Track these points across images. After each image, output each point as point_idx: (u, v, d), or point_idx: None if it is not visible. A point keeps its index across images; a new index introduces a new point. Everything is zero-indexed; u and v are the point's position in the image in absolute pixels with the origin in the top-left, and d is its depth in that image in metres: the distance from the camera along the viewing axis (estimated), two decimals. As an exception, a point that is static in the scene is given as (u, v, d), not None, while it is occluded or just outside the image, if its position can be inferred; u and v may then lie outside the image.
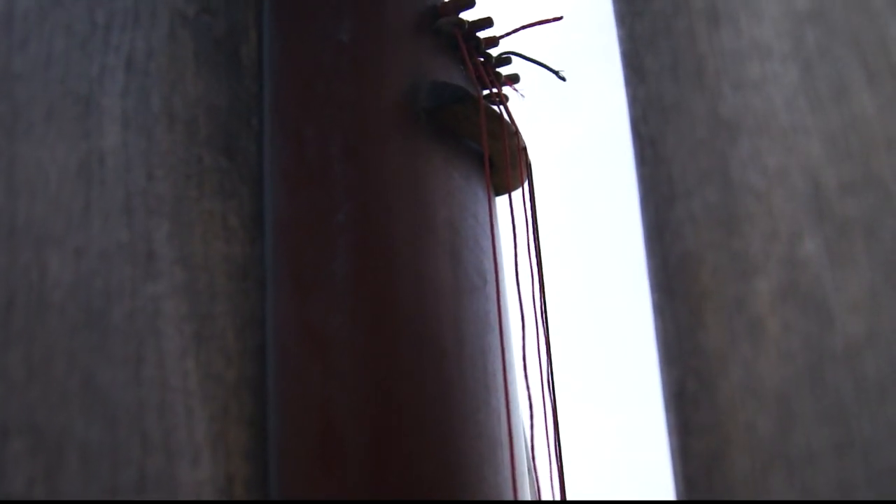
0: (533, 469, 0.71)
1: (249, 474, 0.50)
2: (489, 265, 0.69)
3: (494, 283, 0.68)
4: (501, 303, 0.68)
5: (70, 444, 0.46)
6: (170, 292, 0.49)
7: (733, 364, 0.43)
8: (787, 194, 0.39)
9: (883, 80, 0.35)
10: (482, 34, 0.72)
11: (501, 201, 0.76)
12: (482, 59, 0.72)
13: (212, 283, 0.50)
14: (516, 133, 0.71)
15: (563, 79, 0.69)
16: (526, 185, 0.76)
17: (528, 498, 0.68)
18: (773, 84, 0.40)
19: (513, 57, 0.74)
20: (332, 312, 0.55)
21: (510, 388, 0.68)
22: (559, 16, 0.70)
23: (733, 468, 0.43)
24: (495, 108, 0.70)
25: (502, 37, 0.73)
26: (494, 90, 0.72)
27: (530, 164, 0.75)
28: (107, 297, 0.48)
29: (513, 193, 0.75)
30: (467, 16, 0.70)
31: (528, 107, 0.77)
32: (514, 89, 0.75)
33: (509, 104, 0.74)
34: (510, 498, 0.64)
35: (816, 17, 0.39)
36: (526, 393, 0.71)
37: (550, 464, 0.71)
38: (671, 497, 0.49)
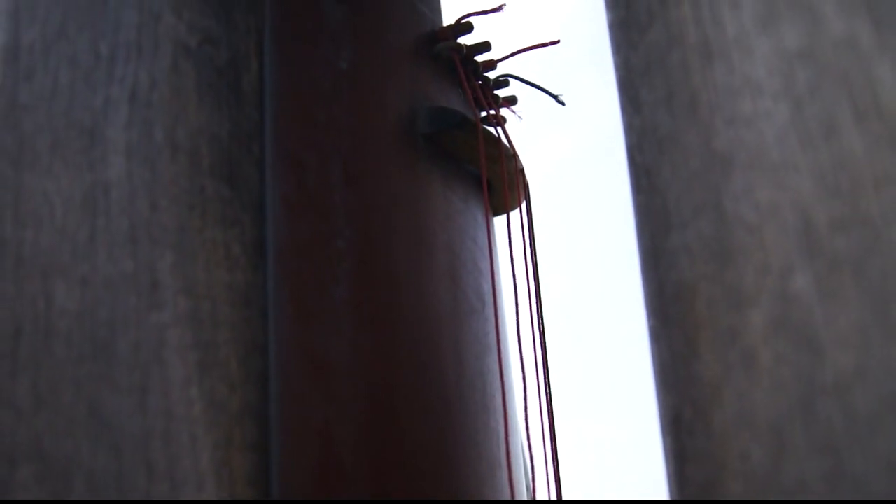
0: (532, 489, 0.71)
1: (252, 499, 0.50)
2: (488, 287, 0.69)
3: (493, 306, 0.69)
4: (500, 325, 0.68)
5: (77, 471, 0.47)
6: (174, 321, 0.50)
7: (727, 394, 0.44)
8: (779, 229, 0.40)
9: (870, 120, 0.36)
10: (480, 58, 0.72)
11: (499, 221, 0.77)
12: (480, 83, 0.73)
13: (215, 311, 0.51)
14: (514, 155, 0.72)
15: (562, 103, 0.70)
16: (524, 205, 0.77)
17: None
18: (764, 120, 0.40)
19: (510, 79, 0.75)
20: (333, 338, 0.56)
21: (509, 409, 0.69)
22: (556, 40, 0.71)
23: (728, 495, 0.44)
24: (493, 130, 0.71)
25: (500, 60, 0.74)
26: (492, 112, 0.73)
27: (528, 185, 0.76)
28: (112, 327, 0.49)
29: (510, 213, 0.76)
30: (465, 40, 0.71)
31: (523, 123, 0.78)
32: (512, 111, 0.76)
33: (507, 125, 0.75)
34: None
35: (806, 56, 0.39)
36: (524, 413, 0.72)
37: (549, 484, 0.72)
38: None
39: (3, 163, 0.50)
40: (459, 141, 0.67)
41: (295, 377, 0.54)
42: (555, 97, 0.71)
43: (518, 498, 0.67)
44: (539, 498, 0.75)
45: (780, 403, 0.40)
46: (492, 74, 0.74)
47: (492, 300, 0.69)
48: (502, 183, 0.71)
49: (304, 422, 0.53)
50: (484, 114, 0.73)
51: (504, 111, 0.76)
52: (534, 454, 0.71)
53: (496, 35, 0.72)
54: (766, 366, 0.41)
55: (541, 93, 0.73)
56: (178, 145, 0.52)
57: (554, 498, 0.72)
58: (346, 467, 0.54)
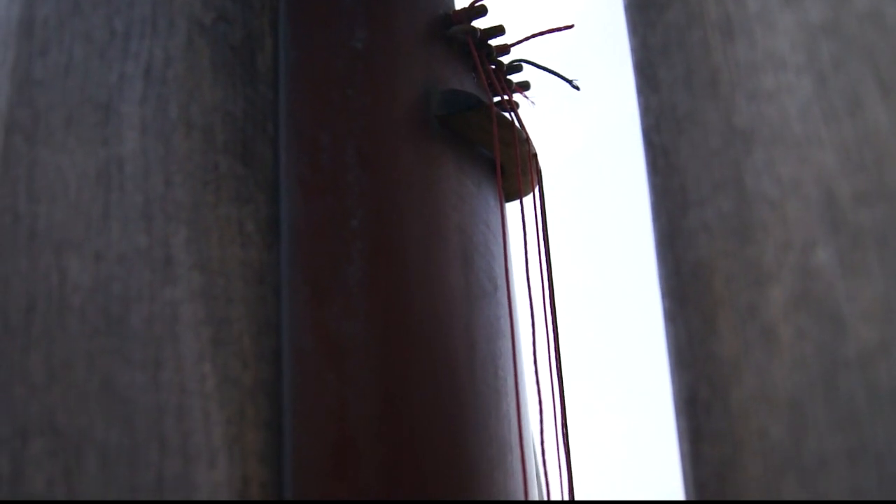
0: (543, 474, 0.71)
1: (265, 477, 0.50)
2: (500, 271, 0.69)
3: (506, 290, 0.69)
4: (512, 308, 0.68)
5: (89, 445, 0.47)
6: (187, 297, 0.50)
7: (746, 371, 0.43)
8: (801, 204, 0.39)
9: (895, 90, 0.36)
10: (494, 42, 0.72)
11: (512, 207, 0.76)
12: (494, 67, 0.72)
13: (228, 287, 0.51)
14: (527, 140, 0.72)
15: (577, 88, 0.70)
16: (536, 190, 0.77)
17: (539, 501, 0.69)
18: (787, 95, 0.40)
19: (524, 64, 0.75)
20: (346, 318, 0.56)
21: (521, 393, 0.69)
22: (570, 24, 0.70)
23: (745, 474, 0.43)
24: (506, 115, 0.71)
25: (514, 44, 0.73)
26: (506, 97, 0.73)
27: (541, 171, 0.76)
28: (126, 302, 0.49)
29: (524, 199, 0.76)
30: (479, 24, 0.71)
31: (537, 109, 0.78)
32: (525, 96, 0.75)
33: (520, 111, 0.75)
34: (519, 497, 0.65)
35: (831, 30, 0.39)
36: (536, 398, 0.72)
37: (560, 468, 0.72)
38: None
39: (17, 138, 0.50)
40: (473, 123, 0.66)
41: (309, 356, 0.54)
42: (569, 82, 0.70)
43: (530, 482, 0.66)
44: (551, 484, 0.75)
45: (801, 379, 0.40)
46: (505, 59, 0.74)
47: (504, 284, 0.69)
48: (515, 167, 0.71)
49: (318, 400, 0.53)
50: (497, 99, 0.73)
51: (517, 97, 0.75)
52: (545, 440, 0.71)
53: (510, 19, 0.72)
54: (787, 342, 0.41)
55: (556, 78, 0.73)
56: (192, 122, 0.52)
57: (565, 483, 0.71)
58: (359, 446, 0.54)
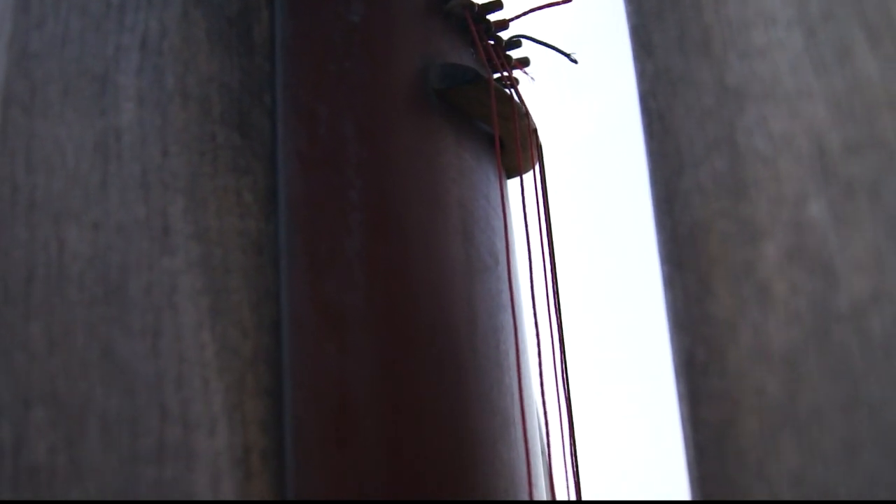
0: (546, 447, 0.71)
1: (266, 445, 0.50)
2: (501, 246, 0.69)
3: (506, 264, 0.69)
4: (513, 283, 0.68)
5: (90, 413, 0.47)
6: (185, 267, 0.50)
7: (742, 329, 0.43)
8: (793, 158, 0.39)
9: (884, 41, 0.36)
10: (492, 17, 0.72)
11: (514, 184, 0.76)
12: (492, 42, 0.72)
13: (226, 257, 0.51)
14: (526, 115, 0.72)
15: (574, 61, 0.70)
16: (538, 167, 0.77)
17: (541, 475, 0.69)
18: (778, 50, 0.40)
19: (523, 40, 0.75)
20: (345, 288, 0.56)
21: (523, 367, 0.69)
22: (568, -3, 0.70)
23: (743, 433, 0.43)
24: (505, 90, 0.71)
25: (512, 19, 0.73)
26: (505, 73, 0.73)
27: (541, 147, 0.76)
28: (124, 271, 0.49)
29: (525, 176, 0.76)
30: (477, -2, 0.71)
31: (542, 91, 0.78)
32: (525, 72, 0.75)
33: (520, 87, 0.75)
34: (524, 474, 0.65)
35: (820, -19, 0.39)
36: (538, 372, 0.72)
37: (563, 441, 0.72)
38: (685, 479, 0.50)
39: (15, 110, 0.51)
40: (471, 97, 0.66)
41: (308, 326, 0.54)
42: (567, 55, 0.70)
43: (533, 455, 0.66)
44: (553, 462, 0.75)
45: (795, 334, 0.40)
46: (504, 35, 0.74)
47: (505, 259, 0.69)
48: (515, 142, 0.71)
49: (318, 369, 0.53)
50: (497, 75, 0.73)
51: (517, 73, 0.75)
52: (548, 412, 0.71)
53: (509, -4, 0.72)
54: (781, 297, 0.41)
55: (555, 52, 0.73)
56: (188, 93, 0.52)
57: (569, 457, 0.71)
58: (359, 415, 0.54)
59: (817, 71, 0.38)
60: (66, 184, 0.49)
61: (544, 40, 0.71)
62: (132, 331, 0.48)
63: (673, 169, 0.49)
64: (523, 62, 0.75)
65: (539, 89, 0.78)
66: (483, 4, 0.71)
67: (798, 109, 0.39)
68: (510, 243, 0.71)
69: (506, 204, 0.71)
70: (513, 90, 0.72)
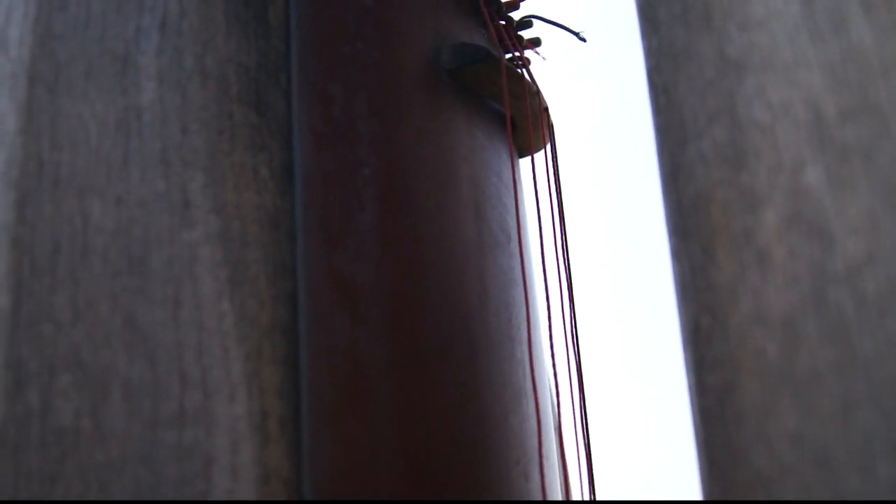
0: (557, 419, 0.73)
1: (283, 411, 0.52)
2: (513, 223, 0.71)
3: (518, 241, 0.70)
4: (525, 259, 0.70)
5: (114, 380, 0.49)
6: (205, 239, 0.52)
7: (743, 295, 0.45)
8: (791, 126, 0.41)
9: (879, 9, 0.37)
10: (503, -2, 0.73)
11: (528, 164, 0.78)
12: (503, 23, 0.74)
13: (244, 231, 0.53)
14: (538, 93, 0.73)
15: (583, 40, 0.71)
16: (549, 146, 0.78)
17: (553, 448, 0.70)
18: (776, 21, 0.41)
19: (534, 21, 0.76)
20: (359, 261, 0.57)
21: (535, 341, 0.70)
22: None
23: (744, 396, 0.45)
24: (517, 69, 0.72)
25: (523, 0, 0.74)
26: (516, 53, 0.74)
27: (552, 125, 0.77)
28: (146, 244, 0.51)
29: (537, 153, 0.77)
30: (488, -20, 0.72)
31: (556, 73, 0.79)
32: (536, 52, 0.77)
33: (532, 67, 0.76)
34: (536, 446, 0.66)
35: (816, -48, 0.40)
36: (549, 347, 0.73)
37: (575, 416, 0.73)
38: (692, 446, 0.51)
39: (39, 89, 0.52)
40: (482, 76, 0.68)
41: (322, 298, 0.56)
42: (576, 34, 0.71)
43: (545, 428, 0.68)
44: (564, 436, 0.76)
45: (793, 297, 0.41)
46: (515, 15, 0.75)
47: (517, 236, 0.70)
48: (526, 120, 0.72)
49: (331, 339, 0.55)
50: (509, 56, 0.74)
51: (529, 53, 0.77)
52: (559, 386, 0.72)
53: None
54: (780, 262, 0.42)
55: (566, 32, 0.74)
56: (207, 72, 0.54)
57: (580, 431, 0.73)
58: (371, 384, 0.56)
59: (814, 40, 0.39)
60: (90, 160, 0.51)
61: (554, 20, 0.72)
62: (154, 301, 0.50)
63: (677, 142, 0.50)
64: (535, 42, 0.76)
65: (553, 71, 0.79)
66: (494, -15, 0.72)
67: (795, 78, 0.40)
68: (522, 221, 0.73)
69: (517, 182, 0.72)
70: (524, 69, 0.73)
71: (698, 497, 0.49)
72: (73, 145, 0.51)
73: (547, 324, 0.74)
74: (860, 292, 0.38)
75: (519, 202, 0.73)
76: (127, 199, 0.51)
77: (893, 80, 0.37)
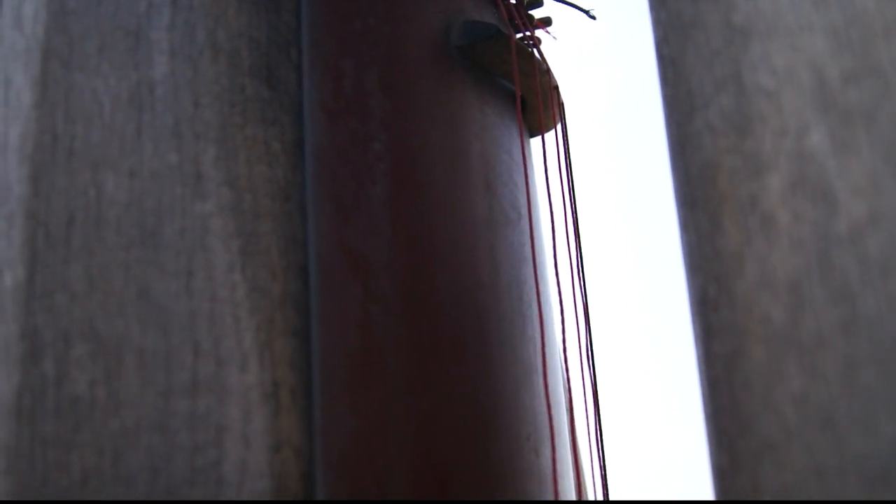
0: (568, 397, 0.73)
1: (294, 382, 0.53)
2: (524, 200, 0.71)
3: (528, 218, 0.71)
4: (535, 236, 0.70)
5: (128, 349, 0.50)
6: (217, 211, 0.52)
7: (749, 261, 0.45)
8: (795, 90, 0.41)
9: (881, -29, 0.37)
10: (514, -23, 0.74)
11: (539, 143, 0.78)
12: (514, 2, 0.74)
13: (256, 203, 0.54)
14: (548, 72, 0.73)
15: (593, 17, 0.71)
16: (561, 125, 0.78)
17: (565, 423, 0.71)
18: (780, -14, 0.41)
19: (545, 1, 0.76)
20: (370, 234, 0.58)
21: (545, 319, 0.71)
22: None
23: (751, 362, 0.45)
24: (527, 47, 0.72)
25: (534, -21, 0.75)
26: (527, 32, 0.75)
27: (563, 104, 0.77)
28: (159, 215, 0.52)
29: (549, 132, 0.77)
30: (499, -42, 0.72)
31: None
32: (547, 32, 0.77)
33: (542, 46, 0.76)
34: (546, 421, 0.67)
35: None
36: (560, 327, 0.74)
37: (585, 391, 0.74)
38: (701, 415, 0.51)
39: (54, 64, 0.53)
40: (493, 53, 0.68)
41: (334, 270, 0.56)
42: (586, 12, 0.72)
43: (555, 403, 0.68)
44: (575, 410, 0.77)
45: (798, 260, 0.41)
46: (526, -5, 0.76)
47: (528, 213, 0.71)
48: (536, 98, 0.72)
49: (344, 312, 0.56)
50: (520, 35, 0.75)
51: (540, 33, 0.77)
52: (570, 365, 0.73)
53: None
54: (785, 226, 0.42)
55: (579, 12, 0.74)
56: (218, 47, 0.55)
57: (591, 405, 0.73)
58: (384, 355, 0.56)
59: (816, 4, 0.40)
60: (103, 134, 0.52)
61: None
62: (167, 271, 0.51)
63: (685, 112, 0.51)
64: (545, 21, 0.77)
65: (567, 50, 0.79)
66: (504, -36, 0.73)
67: (799, 43, 0.40)
68: (533, 198, 0.73)
69: (527, 159, 0.73)
70: (535, 48, 0.74)
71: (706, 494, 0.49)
72: (87, 119, 0.52)
73: (558, 301, 0.74)
74: (863, 253, 0.38)
75: (529, 180, 0.73)
76: (140, 172, 0.52)
77: (895, 41, 0.37)
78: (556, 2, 0.73)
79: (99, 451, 0.49)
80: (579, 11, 0.73)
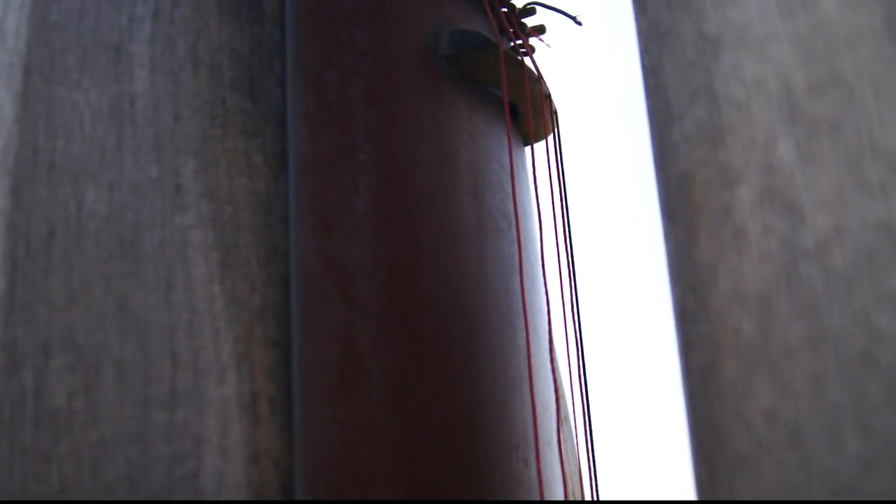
0: (556, 409, 0.72)
1: (273, 393, 0.53)
2: (513, 209, 0.71)
3: (517, 228, 0.70)
4: (523, 245, 0.70)
5: (106, 361, 0.50)
6: (197, 223, 0.53)
7: (722, 273, 0.44)
8: (764, 101, 0.40)
9: (844, -19, 0.37)
10: (505, -15, 0.74)
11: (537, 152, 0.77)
12: (505, 10, 0.74)
13: (236, 215, 0.54)
14: (539, 80, 0.73)
15: (579, 24, 0.71)
16: (554, 133, 0.78)
17: (553, 433, 0.70)
18: (748, -4, 0.41)
19: (538, 8, 0.76)
20: (353, 245, 0.58)
21: (532, 328, 0.70)
22: (579, -36, 0.71)
23: (724, 375, 0.45)
24: (517, 56, 0.72)
25: (525, -13, 0.75)
26: (519, 41, 0.74)
27: (556, 112, 0.77)
28: (138, 228, 0.52)
29: (541, 141, 0.77)
30: (489, -33, 0.72)
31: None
32: (541, 39, 0.77)
33: (536, 54, 0.76)
34: (532, 431, 0.66)
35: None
36: (548, 336, 0.73)
37: (574, 400, 0.73)
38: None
39: (35, 77, 0.54)
40: (481, 62, 0.68)
41: (316, 282, 0.56)
42: (573, 18, 0.71)
43: (543, 413, 0.68)
44: (568, 415, 0.76)
45: (767, 273, 0.41)
46: (518, 2, 0.75)
47: (516, 222, 0.71)
48: (527, 107, 0.72)
49: (324, 321, 0.56)
50: (512, 43, 0.75)
51: (533, 41, 0.77)
52: (561, 375, 0.72)
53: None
54: (755, 239, 0.42)
55: (570, 19, 0.74)
56: (199, 60, 0.55)
57: (583, 412, 0.73)
58: (366, 365, 0.56)
59: (783, 14, 0.39)
60: (84, 146, 0.52)
61: (552, 5, 0.72)
62: (146, 284, 0.51)
63: (664, 122, 0.50)
64: (538, 30, 0.77)
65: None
66: (495, -27, 0.72)
67: (767, 53, 0.40)
68: (523, 207, 0.73)
69: (517, 168, 0.72)
70: (528, 58, 0.73)
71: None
72: (68, 132, 0.53)
73: (549, 311, 0.74)
74: (828, 267, 0.38)
75: (518, 189, 0.73)
76: (120, 185, 0.52)
77: (859, 52, 0.36)
78: (542, 8, 0.73)
79: (77, 461, 0.49)
80: (566, 17, 0.72)
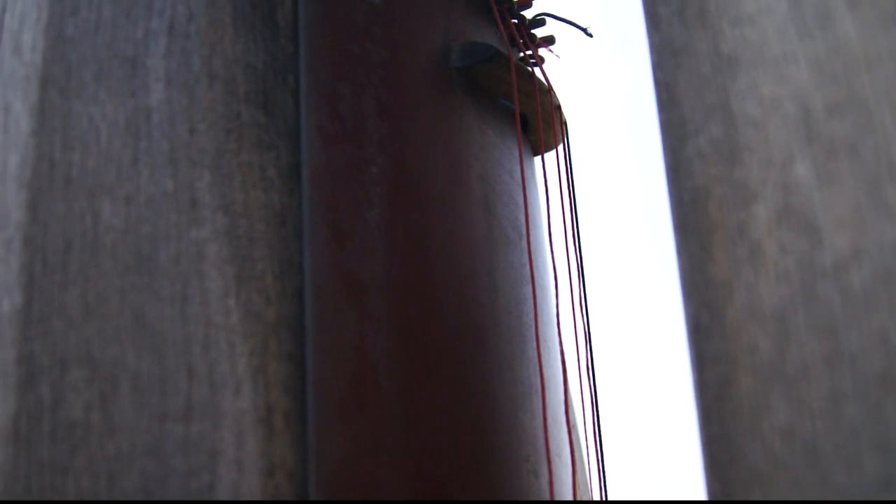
0: (567, 419, 0.73)
1: (288, 406, 0.53)
2: (524, 220, 0.71)
3: (528, 238, 0.71)
4: (533, 256, 0.70)
5: (123, 374, 0.50)
6: (212, 237, 0.53)
7: (737, 290, 0.45)
8: (781, 121, 0.41)
9: (863, 3, 0.37)
10: (515, -3, 0.74)
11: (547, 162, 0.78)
12: (515, 21, 0.74)
13: (251, 228, 0.54)
14: (549, 91, 0.73)
15: (590, 35, 0.71)
16: (564, 144, 0.78)
17: (565, 444, 0.71)
18: (766, 16, 0.41)
19: (548, 19, 0.76)
20: (366, 258, 0.58)
21: (543, 339, 0.70)
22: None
23: (739, 391, 0.45)
24: (527, 67, 0.72)
25: (535, -1, 0.75)
26: (529, 52, 0.75)
27: (566, 123, 0.77)
28: (154, 241, 0.52)
29: (551, 152, 0.77)
30: (500, -21, 0.72)
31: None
32: (550, 50, 0.77)
33: (546, 65, 0.76)
34: (543, 442, 0.67)
35: (803, -52, 0.40)
36: (559, 347, 0.73)
37: (584, 409, 0.74)
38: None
39: (51, 91, 0.54)
40: (492, 74, 0.68)
41: (329, 295, 0.57)
42: (584, 30, 0.72)
43: (553, 424, 0.68)
44: (577, 428, 0.77)
45: (784, 292, 0.41)
46: (528, 14, 0.76)
47: (528, 233, 0.71)
48: (538, 118, 0.72)
49: (338, 336, 0.56)
50: (522, 54, 0.75)
51: (543, 52, 0.77)
52: (572, 385, 0.73)
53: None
54: (771, 257, 0.42)
55: (581, 31, 0.74)
56: (214, 74, 0.55)
57: (592, 423, 0.73)
58: (379, 381, 0.56)
59: (801, 35, 0.40)
60: (100, 160, 0.53)
61: (564, 17, 0.72)
62: (162, 297, 0.51)
63: (678, 137, 0.51)
64: (548, 40, 0.77)
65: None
66: (506, -16, 0.73)
67: (784, 73, 0.40)
68: (534, 218, 0.73)
69: (528, 179, 0.73)
70: (538, 69, 0.74)
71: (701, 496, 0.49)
72: (84, 146, 0.53)
73: (558, 322, 0.74)
74: (847, 287, 0.38)
75: (529, 200, 0.73)
76: (136, 198, 0.52)
77: (878, 73, 0.37)
78: (552, 19, 0.73)
79: (94, 475, 0.49)
80: (577, 29, 0.73)
